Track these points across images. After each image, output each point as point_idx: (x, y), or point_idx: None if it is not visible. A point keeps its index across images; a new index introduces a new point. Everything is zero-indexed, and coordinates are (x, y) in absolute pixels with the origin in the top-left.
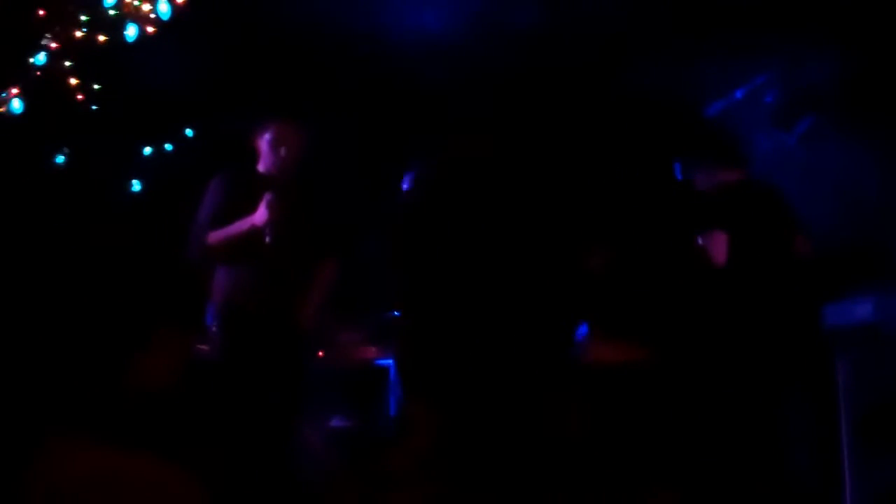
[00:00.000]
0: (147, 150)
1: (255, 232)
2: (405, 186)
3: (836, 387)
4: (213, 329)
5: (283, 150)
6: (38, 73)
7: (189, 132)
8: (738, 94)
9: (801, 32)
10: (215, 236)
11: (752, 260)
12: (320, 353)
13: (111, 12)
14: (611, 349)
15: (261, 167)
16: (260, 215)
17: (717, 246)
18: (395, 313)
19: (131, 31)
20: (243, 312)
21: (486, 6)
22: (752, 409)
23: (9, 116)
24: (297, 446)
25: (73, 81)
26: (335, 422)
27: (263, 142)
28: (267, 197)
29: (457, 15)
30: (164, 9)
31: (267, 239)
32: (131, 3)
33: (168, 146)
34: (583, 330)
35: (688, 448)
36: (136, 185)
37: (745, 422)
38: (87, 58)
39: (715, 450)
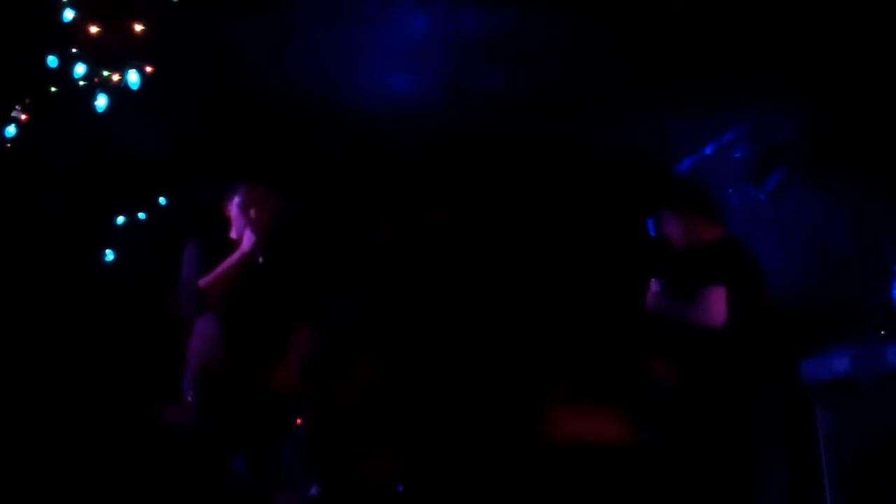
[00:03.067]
0: (120, 220)
1: (246, 259)
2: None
3: (817, 442)
4: (188, 398)
5: (252, 212)
6: (9, 144)
7: (162, 200)
8: (708, 150)
9: (770, 88)
10: (207, 280)
11: (740, 318)
12: (298, 421)
13: (81, 83)
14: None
15: (233, 234)
16: (247, 240)
17: (716, 302)
18: None
19: (101, 102)
20: (219, 380)
21: (455, 70)
22: (733, 469)
23: None
24: None
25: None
26: (313, 491)
27: (233, 206)
28: (247, 227)
29: (427, 80)
30: (133, 79)
31: (260, 260)
32: (101, 74)
33: (141, 215)
34: None
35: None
36: (110, 255)
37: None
38: (58, 128)
39: None
